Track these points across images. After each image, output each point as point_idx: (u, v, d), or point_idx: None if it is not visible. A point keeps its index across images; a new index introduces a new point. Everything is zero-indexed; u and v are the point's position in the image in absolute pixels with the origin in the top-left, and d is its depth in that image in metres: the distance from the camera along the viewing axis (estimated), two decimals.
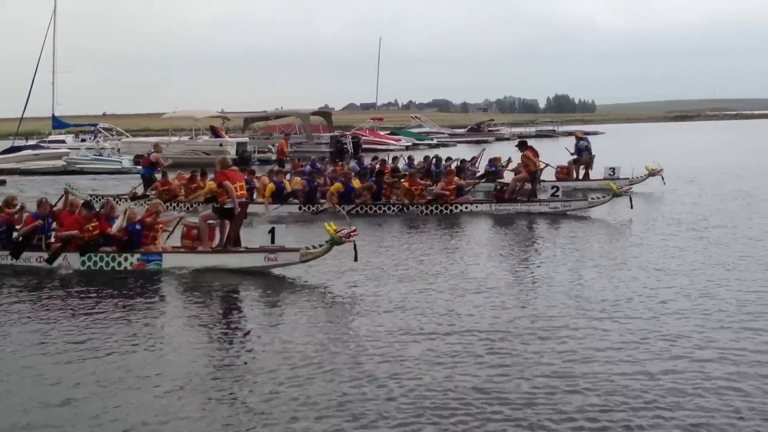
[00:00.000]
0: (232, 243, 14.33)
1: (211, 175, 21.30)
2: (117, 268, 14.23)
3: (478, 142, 66.93)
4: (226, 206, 14.34)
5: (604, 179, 23.15)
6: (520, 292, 11.86)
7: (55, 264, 14.26)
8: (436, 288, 12.22)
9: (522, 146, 21.74)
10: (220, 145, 44.84)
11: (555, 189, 21.15)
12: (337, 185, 21.54)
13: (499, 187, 21.49)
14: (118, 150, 49.24)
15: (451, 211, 20.88)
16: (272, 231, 13.93)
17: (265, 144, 48.93)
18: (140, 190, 24.82)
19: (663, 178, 23.54)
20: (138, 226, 14.37)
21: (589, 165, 26.09)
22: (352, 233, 12.61)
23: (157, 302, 12.18)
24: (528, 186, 21.23)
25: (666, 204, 21.46)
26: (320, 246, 13.15)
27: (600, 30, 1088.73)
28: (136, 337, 9.91)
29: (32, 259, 14.64)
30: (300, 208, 21.58)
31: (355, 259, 12.66)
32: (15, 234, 14.79)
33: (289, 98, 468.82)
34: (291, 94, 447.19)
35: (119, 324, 10.58)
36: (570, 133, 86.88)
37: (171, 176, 24.33)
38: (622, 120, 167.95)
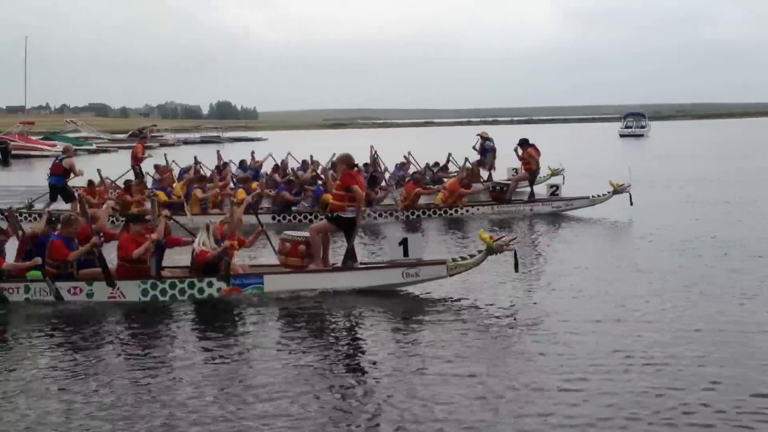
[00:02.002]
0: (350, 258, 12.28)
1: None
2: (198, 296, 11.75)
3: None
4: (345, 215, 12.30)
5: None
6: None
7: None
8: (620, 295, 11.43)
9: (524, 144, 21.07)
10: None
11: (555, 188, 20.57)
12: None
13: (498, 188, 20.79)
14: None
15: (451, 215, 19.67)
16: (404, 242, 11.98)
17: None
18: (41, 204, 21.04)
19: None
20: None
21: (492, 166, 25.83)
22: (511, 241, 11.62)
23: (272, 334, 9.98)
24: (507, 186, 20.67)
25: None
26: (471, 256, 11.85)
27: (264, 41, 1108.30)
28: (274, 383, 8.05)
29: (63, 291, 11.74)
30: None
31: (516, 269, 11.62)
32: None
33: None
34: None
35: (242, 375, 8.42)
36: (237, 139, 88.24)
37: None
38: (284, 127, 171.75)
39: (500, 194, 20.47)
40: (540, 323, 9.97)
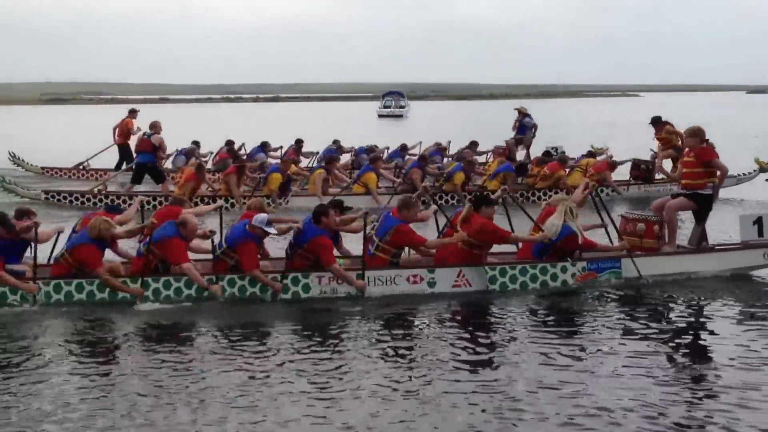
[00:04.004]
0: (698, 240, 11.75)
1: None
2: (551, 283, 10.98)
3: None
4: (704, 191, 11.48)
5: None
6: None
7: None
8: None
9: (659, 122, 20.52)
10: None
11: None
12: None
13: (644, 167, 19.90)
14: None
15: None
16: (759, 221, 11.34)
17: None
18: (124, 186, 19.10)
19: None
20: None
21: (530, 146, 24.17)
22: None
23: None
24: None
25: None
26: None
27: None
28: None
29: None
30: None
31: None
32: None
33: None
34: None
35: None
36: None
37: None
38: None
39: (645, 173, 19.27)
40: None
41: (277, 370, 7.99)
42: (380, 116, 74.54)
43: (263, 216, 10.67)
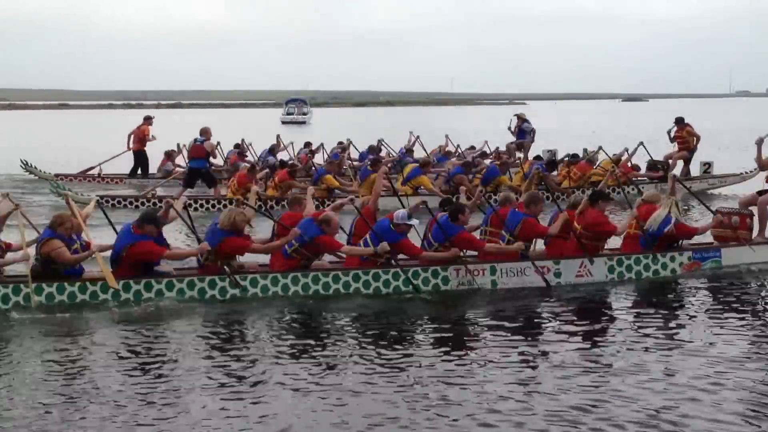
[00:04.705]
0: None
1: None
2: (661, 272, 11.90)
3: None
4: None
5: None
6: None
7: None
8: None
9: (681, 123, 21.60)
10: None
11: (707, 166, 21.05)
12: None
13: (660, 167, 20.95)
14: None
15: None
16: None
17: None
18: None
19: None
20: None
21: (529, 149, 24.90)
22: None
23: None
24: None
25: None
26: None
27: None
28: None
29: None
30: None
31: None
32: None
33: None
34: None
35: None
36: None
37: None
38: None
39: (661, 172, 20.80)
40: None
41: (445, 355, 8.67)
42: (284, 122, 74.06)
43: (402, 212, 11.23)
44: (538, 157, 22.24)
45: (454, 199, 13.29)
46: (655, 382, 7.66)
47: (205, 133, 19.43)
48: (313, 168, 21.01)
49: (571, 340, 9.21)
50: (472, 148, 25.05)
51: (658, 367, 8.10)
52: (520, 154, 24.45)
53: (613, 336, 9.41)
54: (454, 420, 6.85)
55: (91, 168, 24.30)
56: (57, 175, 23.91)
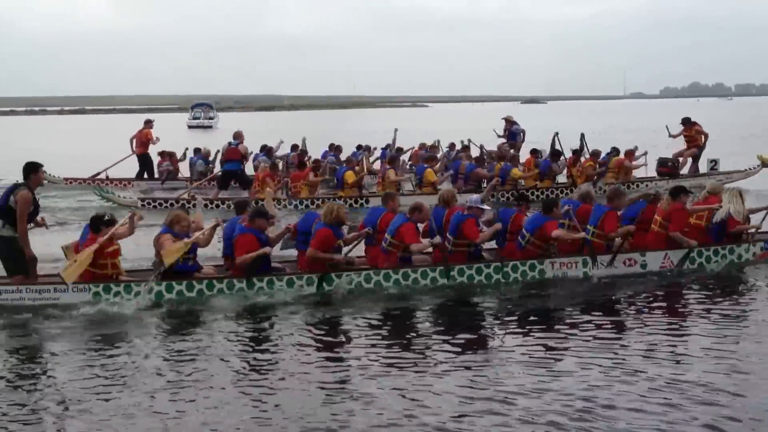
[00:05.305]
0: None
1: None
2: (736, 261, 12.54)
3: None
4: None
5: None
6: None
7: None
8: None
9: (689, 123, 22.54)
10: None
11: (714, 163, 21.80)
12: None
13: (670, 164, 21.77)
14: None
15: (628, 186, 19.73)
16: None
17: None
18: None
19: None
20: None
21: (519, 150, 25.03)
22: None
23: None
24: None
25: None
26: None
27: None
28: None
29: None
30: None
31: None
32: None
33: None
34: None
35: None
36: None
37: None
38: None
39: (671, 169, 21.79)
40: None
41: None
42: (190, 127, 73.89)
43: (476, 197, 12.15)
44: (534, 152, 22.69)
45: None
46: None
47: (239, 136, 20.09)
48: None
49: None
50: (452, 146, 25.46)
51: None
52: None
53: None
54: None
55: (98, 173, 24.23)
56: (66, 179, 23.75)
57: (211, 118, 78.05)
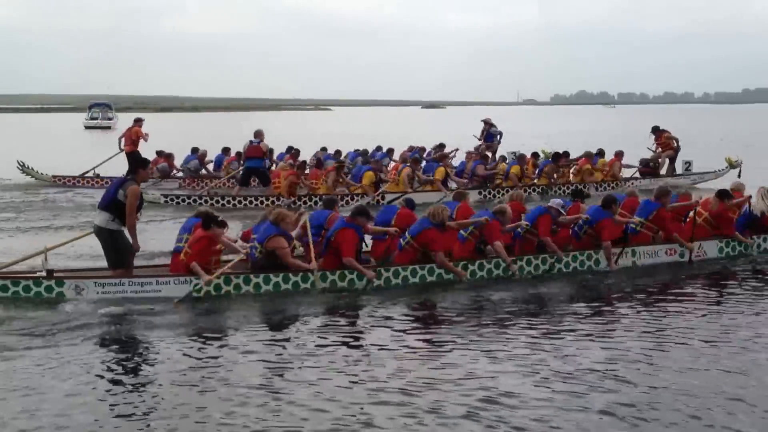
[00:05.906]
0: None
1: None
2: None
3: None
4: None
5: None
6: None
7: None
8: None
9: (658, 130, 24.60)
10: None
11: (688, 164, 23.97)
12: None
13: (652, 164, 23.62)
14: None
15: (612, 188, 21.61)
16: None
17: None
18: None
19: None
20: None
21: (496, 152, 26.05)
22: None
23: None
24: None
25: None
26: None
27: None
28: None
29: None
30: None
31: None
32: None
33: None
34: None
35: None
36: None
37: None
38: None
39: (653, 170, 23.72)
40: None
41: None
42: (87, 128, 71.64)
43: (559, 200, 12.86)
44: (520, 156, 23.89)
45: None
46: None
47: (259, 135, 20.60)
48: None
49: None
50: (440, 146, 26.14)
51: None
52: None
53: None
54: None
55: (86, 172, 24.00)
56: (55, 177, 23.47)
57: (109, 119, 74.88)
